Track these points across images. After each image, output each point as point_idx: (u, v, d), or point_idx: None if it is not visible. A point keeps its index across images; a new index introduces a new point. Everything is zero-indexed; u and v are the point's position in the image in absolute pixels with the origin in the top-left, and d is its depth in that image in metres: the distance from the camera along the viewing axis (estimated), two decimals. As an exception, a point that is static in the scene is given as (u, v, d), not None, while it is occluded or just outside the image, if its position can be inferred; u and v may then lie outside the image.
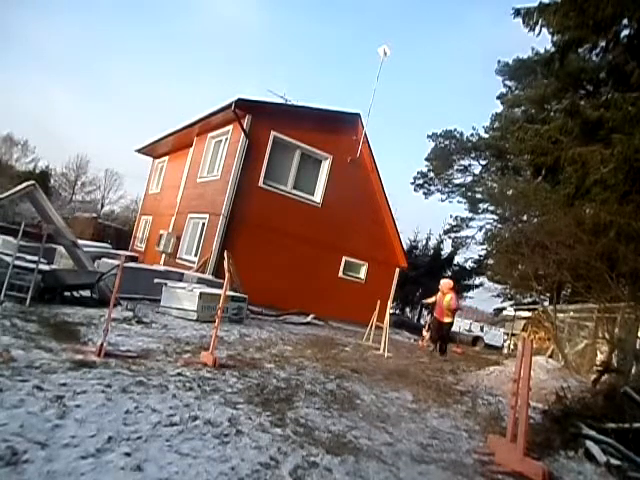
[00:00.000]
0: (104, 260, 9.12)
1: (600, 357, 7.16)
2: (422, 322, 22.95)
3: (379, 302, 9.62)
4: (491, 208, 25.11)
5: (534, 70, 19.10)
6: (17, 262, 5.81)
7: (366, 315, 9.87)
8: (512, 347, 15.12)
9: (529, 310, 15.66)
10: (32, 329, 4.43)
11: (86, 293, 6.95)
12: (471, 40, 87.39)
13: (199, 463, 2.24)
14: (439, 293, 9.36)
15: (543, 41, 38.04)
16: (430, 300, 10.16)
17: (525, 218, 13.41)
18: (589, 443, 3.63)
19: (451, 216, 29.23)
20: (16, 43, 55.03)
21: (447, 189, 28.25)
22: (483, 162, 27.02)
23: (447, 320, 9.09)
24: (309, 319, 10.65)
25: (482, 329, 23.02)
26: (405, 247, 17.98)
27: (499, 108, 24.44)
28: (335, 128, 12.91)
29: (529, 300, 16.95)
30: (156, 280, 7.86)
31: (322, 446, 2.82)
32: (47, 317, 5.21)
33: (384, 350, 7.85)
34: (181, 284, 7.96)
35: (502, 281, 19.55)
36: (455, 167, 27.55)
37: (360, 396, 4.37)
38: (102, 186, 37.85)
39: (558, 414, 4.25)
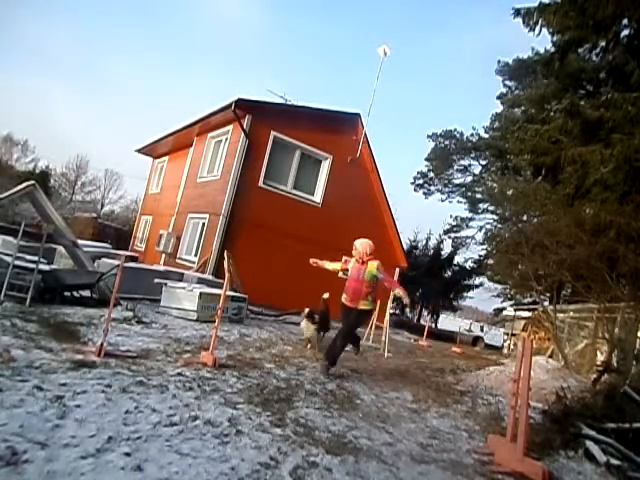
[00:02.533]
0: (104, 260, 9.12)
1: (600, 357, 7.15)
2: (422, 322, 22.92)
3: (379, 302, 9.61)
4: (491, 208, 25.12)
5: (534, 70, 19.12)
6: (17, 262, 5.81)
7: (366, 315, 9.85)
8: (512, 347, 15.12)
9: (529, 310, 15.65)
10: (32, 329, 4.42)
11: (86, 293, 6.95)
12: (471, 40, 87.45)
13: (199, 463, 2.24)
14: (352, 261, 5.47)
15: (543, 41, 38.11)
16: (330, 266, 5.71)
17: (525, 218, 13.38)
18: (589, 443, 3.63)
19: (451, 216, 29.31)
20: (16, 43, 55.10)
21: (447, 189, 28.29)
22: (483, 162, 27.05)
23: (364, 307, 5.19)
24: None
25: (482, 329, 23.00)
26: (405, 247, 17.99)
27: (499, 108, 24.51)
28: (335, 128, 12.91)
29: (529, 300, 16.94)
30: (156, 280, 7.86)
31: (322, 446, 2.82)
32: (47, 317, 5.21)
33: (384, 350, 7.85)
34: (181, 284, 7.95)
35: (502, 281, 19.55)
36: (455, 167, 27.60)
37: (360, 396, 4.37)
38: (102, 186, 37.97)
39: (558, 414, 4.25)
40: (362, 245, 5.41)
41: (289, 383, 4.29)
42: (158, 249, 13.41)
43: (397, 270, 14.44)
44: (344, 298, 5.32)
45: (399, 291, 5.20)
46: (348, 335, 5.41)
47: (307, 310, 6.58)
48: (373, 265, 5.24)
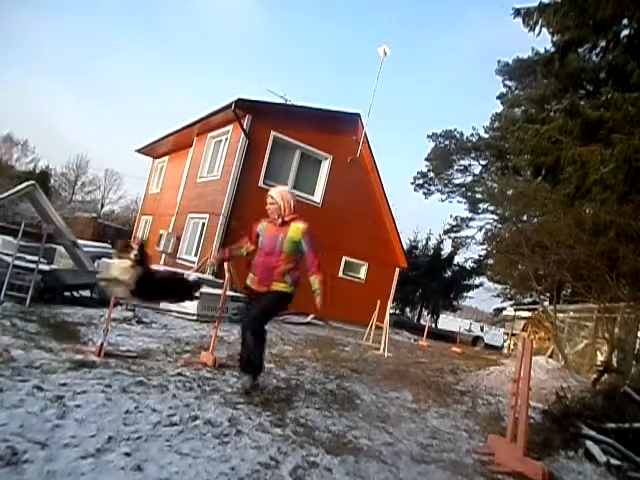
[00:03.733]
0: (104, 260, 9.12)
1: (600, 357, 7.16)
2: (422, 322, 22.92)
3: (379, 302, 9.63)
4: (491, 208, 25.12)
5: (534, 70, 19.10)
6: (17, 262, 5.81)
7: (366, 315, 9.86)
8: (512, 347, 15.12)
9: (529, 310, 15.66)
10: (32, 329, 4.42)
11: (86, 293, 6.95)
12: (471, 40, 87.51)
13: (199, 463, 2.24)
14: (262, 223, 3.76)
15: (543, 41, 38.06)
16: (243, 250, 3.94)
17: (525, 218, 13.41)
18: (589, 443, 3.63)
19: (451, 216, 29.32)
20: (16, 42, 55.09)
21: (447, 189, 28.29)
22: (483, 162, 27.06)
23: (280, 289, 3.58)
24: (309, 319, 10.65)
25: (482, 329, 23.01)
26: (405, 247, 17.99)
27: (499, 108, 24.49)
28: (335, 128, 12.91)
29: (529, 300, 16.95)
30: (156, 280, 7.84)
31: (322, 446, 2.82)
32: (47, 317, 5.21)
33: (384, 350, 7.85)
34: (181, 284, 7.94)
35: (502, 281, 19.54)
36: (455, 167, 27.60)
37: (360, 396, 4.37)
38: (102, 186, 37.99)
39: (558, 414, 4.25)
40: (282, 196, 3.56)
41: (289, 383, 4.29)
42: (158, 249, 13.41)
43: (397, 270, 14.45)
44: (250, 280, 3.71)
45: (316, 281, 3.49)
46: (261, 321, 3.58)
47: (120, 243, 3.81)
48: (298, 229, 3.52)
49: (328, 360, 6.07)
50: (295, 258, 3.59)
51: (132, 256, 3.50)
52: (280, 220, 3.59)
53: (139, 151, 19.34)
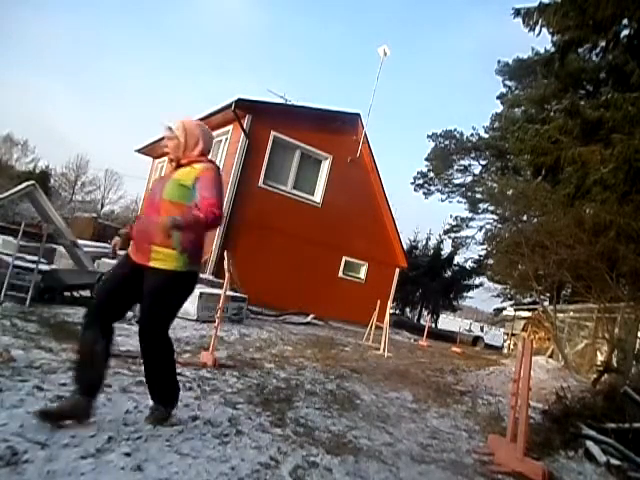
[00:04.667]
0: (104, 260, 9.11)
1: (600, 357, 7.16)
2: (422, 322, 22.91)
3: (379, 302, 9.64)
4: (491, 208, 25.11)
5: (534, 70, 19.12)
6: (17, 262, 5.81)
7: (366, 315, 9.87)
8: (512, 347, 15.13)
9: (529, 310, 15.66)
10: (32, 329, 4.42)
11: (86, 293, 6.94)
12: (471, 40, 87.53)
13: (199, 463, 2.24)
14: (167, 165, 2.96)
15: (543, 41, 38.07)
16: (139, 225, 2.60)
17: (525, 218, 13.42)
18: (589, 443, 3.63)
19: (451, 216, 29.30)
20: (16, 42, 55.09)
21: (447, 189, 28.30)
22: (483, 162, 27.07)
23: (162, 266, 2.34)
24: (309, 319, 10.65)
25: (482, 329, 23.01)
26: (405, 247, 18.00)
27: (499, 108, 24.51)
28: (335, 128, 12.91)
29: (529, 300, 16.95)
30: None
31: (322, 446, 2.81)
32: (47, 317, 5.20)
33: (384, 350, 7.85)
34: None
35: (502, 281, 19.54)
36: (455, 167, 27.61)
37: (360, 396, 4.37)
38: (102, 186, 37.92)
39: (558, 414, 4.25)
40: (184, 127, 2.63)
41: (289, 383, 4.29)
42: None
43: (397, 270, 14.45)
44: (131, 252, 2.55)
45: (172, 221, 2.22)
46: (158, 329, 2.47)
47: None
48: (194, 169, 2.54)
49: (328, 360, 6.07)
50: (183, 208, 2.40)
51: None
52: (175, 163, 2.56)
53: (139, 151, 19.32)
